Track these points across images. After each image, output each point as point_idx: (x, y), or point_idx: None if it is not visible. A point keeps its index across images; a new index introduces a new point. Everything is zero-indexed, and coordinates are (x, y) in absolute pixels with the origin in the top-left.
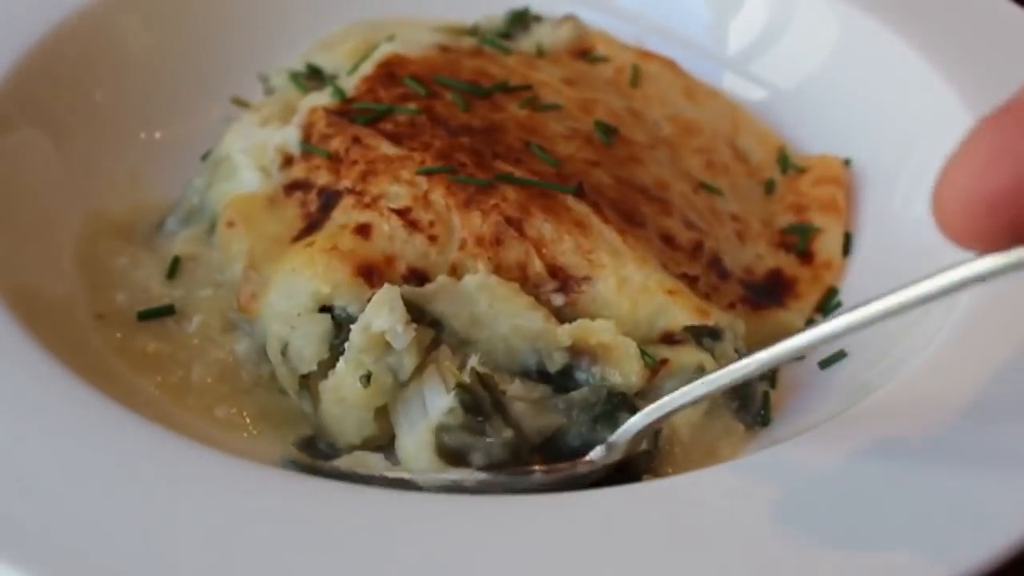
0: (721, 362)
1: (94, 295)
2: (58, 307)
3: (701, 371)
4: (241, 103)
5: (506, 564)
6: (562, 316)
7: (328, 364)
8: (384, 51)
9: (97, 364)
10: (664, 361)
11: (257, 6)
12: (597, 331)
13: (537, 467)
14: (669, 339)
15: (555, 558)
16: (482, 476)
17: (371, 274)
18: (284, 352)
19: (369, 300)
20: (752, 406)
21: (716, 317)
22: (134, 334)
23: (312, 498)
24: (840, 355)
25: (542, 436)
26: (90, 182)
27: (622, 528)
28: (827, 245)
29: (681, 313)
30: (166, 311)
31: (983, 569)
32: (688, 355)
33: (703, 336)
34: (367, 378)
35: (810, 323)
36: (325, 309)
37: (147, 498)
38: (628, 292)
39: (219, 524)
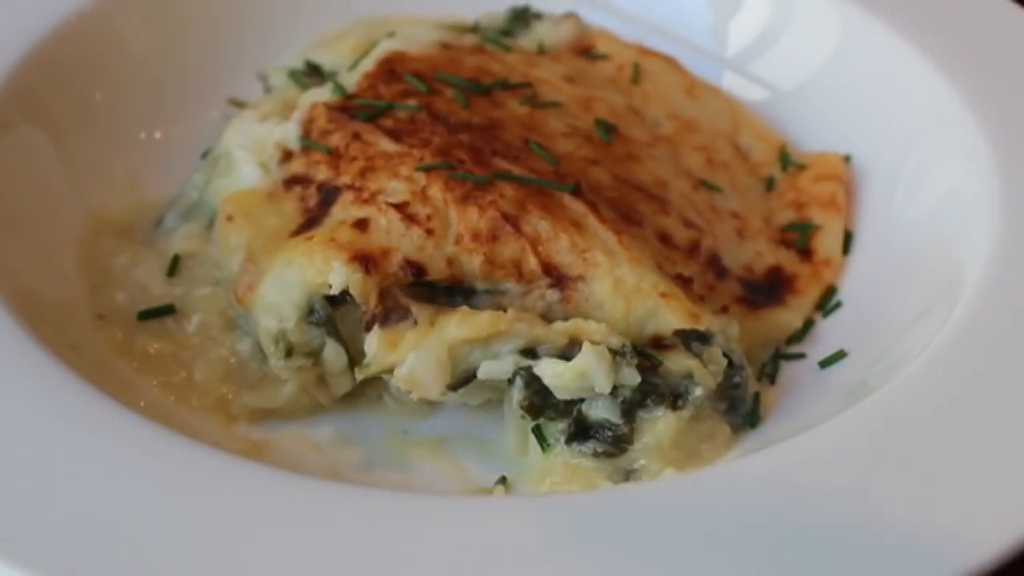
0: (710, 368)
1: (95, 295)
2: (59, 308)
3: (690, 378)
4: (238, 104)
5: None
6: (555, 314)
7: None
8: (385, 48)
9: (99, 365)
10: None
11: (257, 7)
12: (590, 331)
13: None
14: (659, 343)
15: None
16: None
17: (367, 262)
18: (278, 343)
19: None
20: (741, 407)
21: (707, 322)
22: (135, 334)
23: (318, 500)
24: (840, 355)
25: None
26: (90, 182)
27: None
28: (827, 242)
29: (672, 317)
30: (166, 311)
31: (983, 569)
32: (677, 361)
33: (692, 340)
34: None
35: (809, 323)
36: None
37: (149, 498)
38: (622, 293)
39: (221, 524)
